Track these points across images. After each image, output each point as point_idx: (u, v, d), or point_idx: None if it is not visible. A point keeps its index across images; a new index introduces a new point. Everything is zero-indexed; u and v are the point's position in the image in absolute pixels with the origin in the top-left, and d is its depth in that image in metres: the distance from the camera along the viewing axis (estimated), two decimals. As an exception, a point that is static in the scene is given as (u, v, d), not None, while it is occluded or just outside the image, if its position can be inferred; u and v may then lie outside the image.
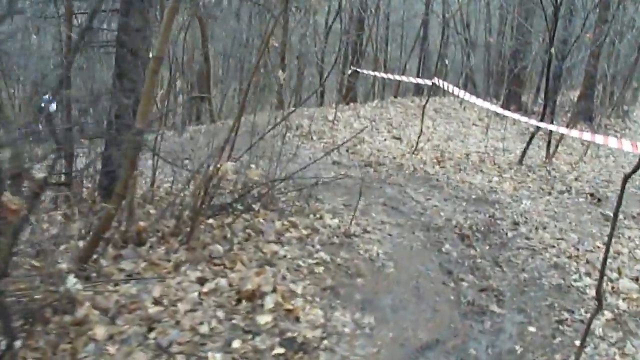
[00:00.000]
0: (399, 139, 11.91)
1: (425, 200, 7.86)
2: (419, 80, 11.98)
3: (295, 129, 12.02)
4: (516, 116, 9.13)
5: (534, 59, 17.28)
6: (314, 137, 11.55)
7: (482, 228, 6.80)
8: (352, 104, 15.28)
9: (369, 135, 11.94)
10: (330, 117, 12.85)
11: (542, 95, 20.10)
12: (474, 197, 8.12)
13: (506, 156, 11.13)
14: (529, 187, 8.94)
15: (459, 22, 20.62)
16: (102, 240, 4.58)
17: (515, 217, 7.32)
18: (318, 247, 5.50)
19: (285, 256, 5.17)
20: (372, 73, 13.77)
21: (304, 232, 5.81)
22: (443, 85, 10.27)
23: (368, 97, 18.45)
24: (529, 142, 10.61)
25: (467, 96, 9.68)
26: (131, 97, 7.21)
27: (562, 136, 11.52)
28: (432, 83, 10.68)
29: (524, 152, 10.45)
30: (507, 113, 9.13)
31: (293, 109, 7.46)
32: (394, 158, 10.26)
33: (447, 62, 19.55)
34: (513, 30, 17.42)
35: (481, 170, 9.67)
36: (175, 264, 4.76)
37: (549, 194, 8.72)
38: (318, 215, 6.48)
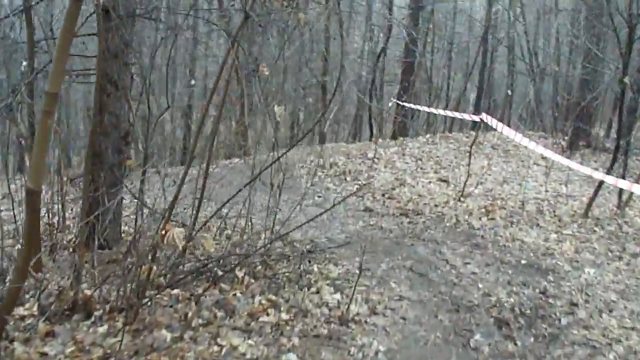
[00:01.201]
0: (445, 181, 10.50)
1: (463, 265, 6.46)
2: (465, 116, 10.59)
3: (329, 168, 10.80)
4: (575, 166, 7.56)
5: (605, 89, 15.59)
6: (348, 178, 10.30)
7: (529, 310, 5.34)
8: (399, 139, 13.92)
9: (412, 176, 10.59)
10: (371, 155, 11.55)
11: (614, 130, 18.43)
12: (523, 261, 6.65)
13: (569, 205, 9.55)
14: (594, 248, 7.38)
15: (524, 48, 19.05)
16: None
17: (573, 293, 5.82)
18: (294, 341, 4.21)
19: (243, 355, 3.91)
20: (414, 106, 12.43)
21: (285, 316, 4.55)
22: (491, 122, 8.85)
23: (421, 130, 17.07)
24: (597, 190, 9.00)
25: (518, 137, 8.22)
26: (113, 134, 6.18)
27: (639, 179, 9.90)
28: (480, 120, 9.26)
29: (590, 202, 8.86)
30: (565, 161, 7.59)
31: (284, 150, 6.12)
32: (436, 206, 8.89)
33: (509, 92, 17.98)
34: (584, 59, 15.78)
35: (537, 224, 8.15)
36: (103, 354, 3.62)
37: (619, 258, 7.14)
38: (315, 288, 5.16)
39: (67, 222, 6.41)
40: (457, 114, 10.87)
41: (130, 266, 4.17)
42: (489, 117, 9.01)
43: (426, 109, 11.85)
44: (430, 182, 10.38)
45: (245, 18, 3.91)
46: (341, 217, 8.75)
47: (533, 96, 19.16)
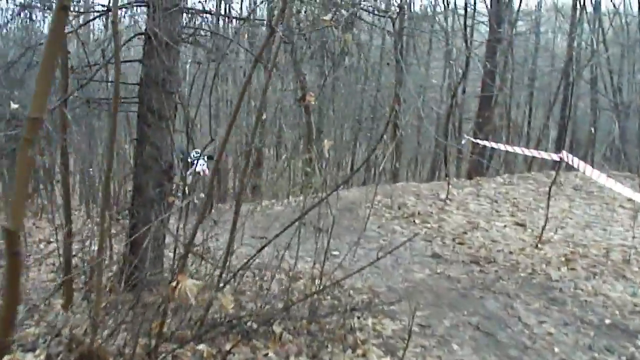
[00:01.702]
0: (522, 225, 9.85)
1: (537, 324, 5.87)
2: (544, 155, 9.94)
3: (397, 209, 10.33)
4: None
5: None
6: (417, 220, 9.79)
7: (613, 383, 4.72)
8: (474, 179, 13.30)
9: (486, 219, 9.99)
10: (443, 196, 11.01)
11: None
12: (607, 321, 5.98)
13: (661, 253, 8.75)
14: (687, 306, 6.63)
15: (607, 83, 18.12)
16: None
17: (665, 362, 5.15)
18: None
19: None
20: (489, 144, 11.81)
21: (321, 385, 4.09)
22: (572, 161, 8.21)
23: (499, 169, 16.34)
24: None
25: (602, 178, 7.57)
26: (154, 167, 5.91)
27: None
28: (560, 159, 8.63)
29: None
30: None
31: (323, 195, 5.66)
32: (510, 253, 8.28)
33: (592, 129, 17.07)
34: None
35: (623, 276, 7.44)
36: None
37: None
38: (362, 350, 4.68)
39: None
40: (535, 153, 10.23)
41: (139, 317, 3.82)
42: (570, 156, 8.38)
43: (503, 146, 11.25)
44: (505, 226, 9.75)
45: (270, 33, 3.52)
46: (406, 263, 8.26)
47: (618, 134, 18.17)
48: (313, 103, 5.03)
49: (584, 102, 20.21)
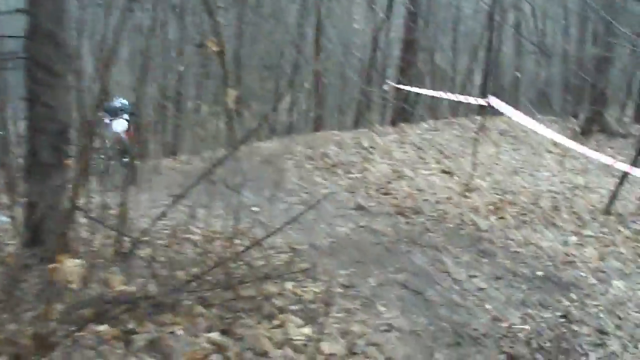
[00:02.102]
0: (449, 173, 9.45)
1: (467, 279, 5.45)
2: (471, 100, 9.51)
3: (319, 159, 9.76)
4: (593, 154, 6.41)
5: (623, 69, 14.45)
6: (339, 171, 9.24)
7: (548, 343, 4.32)
8: (400, 125, 12.80)
9: (412, 168, 9.53)
10: (366, 144, 10.49)
11: (628, 114, 17.23)
12: (539, 273, 5.62)
13: (588, 199, 8.51)
14: (621, 253, 6.35)
15: (532, 28, 17.86)
16: None
17: (601, 316, 4.80)
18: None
19: None
20: (412, 89, 11.28)
21: (230, 364, 3.50)
22: (500, 106, 7.79)
23: (424, 116, 15.88)
24: (621, 182, 7.91)
25: (530, 122, 7.17)
26: (48, 129, 5.08)
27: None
28: (487, 103, 8.20)
29: (612, 197, 7.81)
30: (581, 149, 6.46)
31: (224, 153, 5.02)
32: (437, 202, 7.86)
33: (518, 74, 16.82)
34: (596, 38, 14.61)
35: (553, 224, 7.13)
36: None
37: (651, 264, 6.13)
38: (278, 321, 4.10)
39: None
40: (461, 98, 9.79)
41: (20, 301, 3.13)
42: (497, 101, 7.95)
43: (427, 91, 10.71)
44: (431, 174, 9.33)
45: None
46: (329, 216, 7.71)
47: (543, 78, 18.07)
48: (215, 50, 4.30)
49: (508, 47, 19.97)
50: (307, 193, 8.58)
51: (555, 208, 7.74)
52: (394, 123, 12.92)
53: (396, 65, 14.49)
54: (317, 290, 5.05)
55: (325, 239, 6.77)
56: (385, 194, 8.30)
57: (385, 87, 11.38)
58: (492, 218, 7.22)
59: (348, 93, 15.52)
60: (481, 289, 5.26)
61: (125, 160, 9.58)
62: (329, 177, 9.14)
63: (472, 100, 9.41)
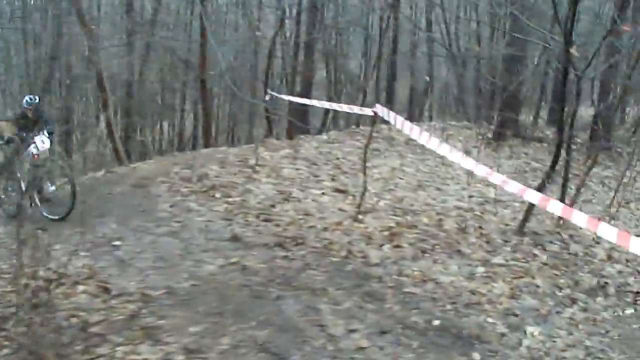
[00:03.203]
0: (343, 192, 8.22)
1: (345, 335, 4.23)
2: (355, 110, 8.33)
3: (197, 181, 8.39)
4: (495, 179, 5.08)
5: (531, 72, 13.63)
6: (217, 194, 7.91)
7: None
8: (297, 138, 11.54)
9: (301, 187, 8.28)
10: (252, 162, 9.16)
11: (543, 116, 16.50)
12: (436, 322, 4.40)
13: (500, 215, 7.43)
14: (537, 286, 5.19)
15: (444, 31, 16.98)
16: None
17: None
18: None
19: None
20: (291, 98, 10.02)
21: None
22: (388, 115, 6.61)
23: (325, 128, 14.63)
24: (540, 189, 6.82)
25: (415, 131, 6.00)
26: None
27: (586, 174, 7.94)
28: (374, 113, 7.00)
29: (526, 212, 6.71)
30: (481, 171, 5.17)
31: None
32: (325, 229, 6.60)
33: (427, 78, 15.86)
34: (507, 37, 13.73)
35: (458, 251, 5.95)
36: None
37: (572, 300, 5.01)
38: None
39: None
40: (346, 108, 8.59)
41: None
42: (384, 109, 6.77)
43: (311, 102, 9.44)
44: (323, 193, 8.07)
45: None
46: (198, 250, 6.42)
47: (455, 83, 17.22)
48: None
49: (420, 51, 19.13)
50: (178, 222, 7.27)
51: (462, 230, 6.58)
52: (289, 136, 11.65)
53: (289, 73, 13.24)
54: (152, 358, 3.81)
55: (186, 281, 5.52)
56: (266, 220, 7.01)
57: (267, 98, 10.04)
58: (386, 247, 6.00)
59: (239, 106, 14.14)
60: (361, 349, 4.02)
61: (51, 189, 8.06)
62: (206, 202, 7.79)
63: (357, 110, 8.22)
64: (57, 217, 7.66)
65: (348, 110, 8.51)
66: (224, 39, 14.18)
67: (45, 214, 7.81)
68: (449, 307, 4.63)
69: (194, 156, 9.73)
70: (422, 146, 11.30)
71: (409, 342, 4.11)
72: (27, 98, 8.28)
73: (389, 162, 9.76)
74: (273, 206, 7.48)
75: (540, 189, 6.18)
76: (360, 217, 6.89)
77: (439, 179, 9.38)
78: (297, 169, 9.10)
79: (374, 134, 11.58)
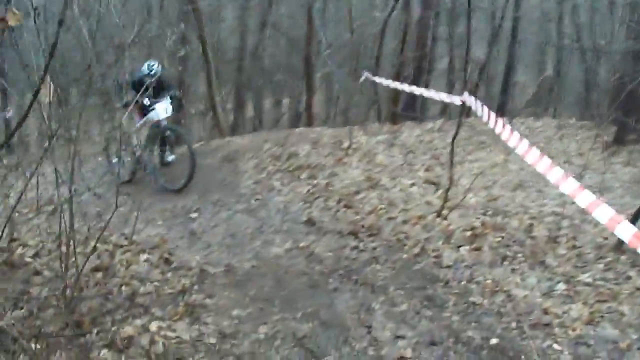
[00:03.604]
0: (435, 184, 7.81)
1: (391, 341, 3.97)
2: (444, 97, 7.80)
3: (286, 160, 8.26)
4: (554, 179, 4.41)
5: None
6: (303, 175, 7.75)
7: None
8: (402, 124, 11.14)
9: (392, 175, 7.94)
10: (346, 145, 8.90)
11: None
12: (494, 341, 4.00)
13: (601, 227, 6.76)
14: (622, 314, 4.61)
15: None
16: None
17: None
18: None
19: None
20: (383, 81, 9.55)
21: None
22: (473, 105, 6.14)
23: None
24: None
25: (499, 127, 5.50)
26: None
27: None
28: (462, 102, 6.53)
29: (634, 218, 6.03)
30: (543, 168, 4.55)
31: None
32: (404, 222, 6.28)
33: (550, 73, 14.88)
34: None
35: (542, 262, 5.43)
36: None
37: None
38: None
39: None
40: (434, 95, 8.10)
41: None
42: (471, 99, 6.30)
43: (401, 86, 8.99)
44: (413, 184, 7.70)
45: None
46: (271, 230, 6.33)
47: (583, 79, 16.08)
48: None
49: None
50: (258, 200, 7.20)
51: (553, 239, 6.03)
52: (394, 121, 11.26)
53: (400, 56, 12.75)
54: (185, 337, 3.71)
55: (249, 261, 5.45)
56: (346, 206, 6.76)
57: (362, 78, 9.67)
58: (464, 248, 5.59)
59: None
60: (402, 359, 3.70)
61: (170, 158, 8.22)
62: (290, 182, 7.68)
63: (445, 97, 7.71)
64: (174, 188, 7.63)
65: (435, 97, 8.04)
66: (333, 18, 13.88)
67: (162, 183, 7.82)
68: (513, 325, 4.20)
69: (287, 134, 9.60)
70: (535, 142, 10.75)
71: (457, 358, 3.75)
72: (147, 65, 8.04)
73: (492, 157, 9.20)
74: (357, 192, 7.22)
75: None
76: (444, 212, 6.49)
77: (543, 180, 8.72)
78: (392, 156, 8.76)
79: (483, 127, 11.01)
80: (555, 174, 4.05)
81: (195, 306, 4.45)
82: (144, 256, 5.54)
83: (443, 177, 8.07)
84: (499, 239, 5.90)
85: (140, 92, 7.86)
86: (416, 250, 5.51)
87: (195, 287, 4.89)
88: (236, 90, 15.54)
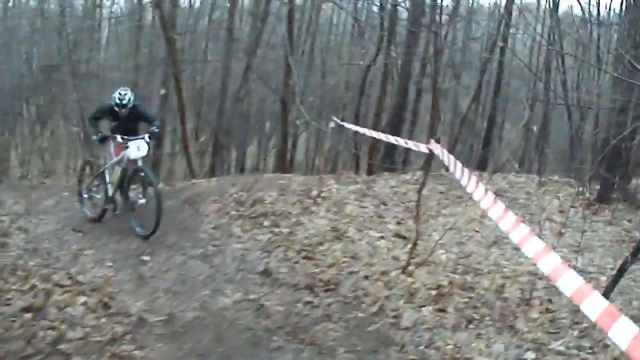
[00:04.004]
0: (405, 238, 7.35)
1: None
2: (411, 145, 7.41)
3: (250, 205, 7.82)
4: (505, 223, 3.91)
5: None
6: (266, 222, 7.30)
7: None
8: (379, 174, 10.75)
9: (360, 227, 7.50)
10: (315, 193, 8.48)
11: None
12: None
13: (578, 289, 6.29)
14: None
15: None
16: None
17: None
18: None
19: None
20: (353, 127, 9.15)
21: None
22: (442, 155, 5.75)
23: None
24: (622, 269, 5.71)
25: (466, 180, 5.04)
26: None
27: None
28: (429, 150, 6.15)
29: (607, 289, 5.59)
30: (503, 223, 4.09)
31: None
32: (366, 278, 5.81)
33: (534, 128, 14.61)
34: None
35: (512, 327, 4.96)
36: None
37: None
38: None
39: None
40: (402, 142, 7.69)
41: None
42: (439, 147, 5.92)
43: (369, 132, 8.54)
44: (382, 237, 7.24)
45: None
46: (223, 280, 5.87)
47: (568, 135, 15.79)
48: None
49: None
50: (215, 246, 6.76)
51: (525, 301, 5.57)
52: (370, 172, 10.88)
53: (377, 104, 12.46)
54: None
55: (193, 311, 4.99)
56: (307, 258, 6.32)
57: (331, 124, 9.23)
58: (427, 309, 5.12)
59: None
60: None
61: (141, 201, 7.40)
62: (251, 229, 7.23)
63: (412, 145, 7.32)
64: (143, 234, 7.03)
65: (404, 145, 7.67)
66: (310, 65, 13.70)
67: (134, 226, 7.22)
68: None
69: (255, 179, 9.17)
70: (515, 198, 10.38)
71: None
72: (118, 92, 7.39)
73: (469, 211, 8.77)
74: (321, 243, 6.77)
75: (624, 264, 5.13)
76: (410, 268, 6.03)
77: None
78: (363, 207, 8.32)
79: (463, 181, 10.63)
80: (519, 233, 3.54)
81: (123, 357, 4.00)
82: (82, 298, 5.09)
83: (414, 232, 7.64)
84: (467, 299, 5.43)
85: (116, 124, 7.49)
86: (374, 308, 5.04)
87: (128, 336, 4.44)
88: (216, 133, 15.21)
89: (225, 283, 5.77)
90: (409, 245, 6.94)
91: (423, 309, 5.10)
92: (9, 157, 20.43)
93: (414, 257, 6.22)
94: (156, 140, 7.64)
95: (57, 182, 8.59)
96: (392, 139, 8.04)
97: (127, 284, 5.73)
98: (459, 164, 5.21)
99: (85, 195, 8.00)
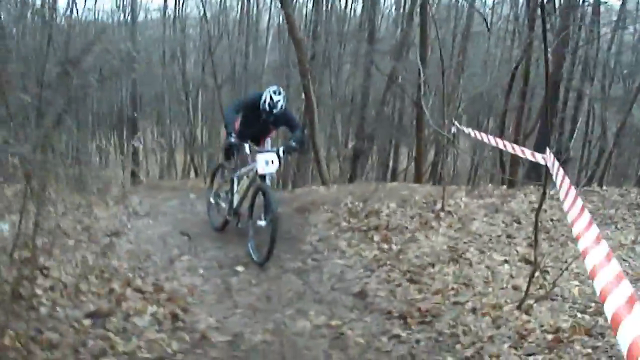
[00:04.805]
0: (530, 262, 6.44)
1: None
2: (527, 154, 6.36)
3: (363, 217, 7.31)
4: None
5: None
6: (376, 237, 6.74)
7: None
8: (520, 187, 9.75)
9: (482, 247, 6.70)
10: (439, 206, 7.74)
11: None
12: None
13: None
14: None
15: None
16: None
17: None
18: None
19: None
20: (474, 133, 8.09)
21: None
22: (552, 167, 4.86)
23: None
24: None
25: (572, 197, 4.14)
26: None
27: None
28: (544, 160, 5.23)
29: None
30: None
31: None
32: (473, 311, 5.08)
33: None
34: None
35: None
36: None
37: None
38: None
39: None
40: (517, 149, 6.68)
41: None
42: (552, 158, 5.02)
43: (487, 139, 7.52)
44: (506, 260, 6.38)
45: None
46: (310, 299, 5.41)
47: None
48: None
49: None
50: (315, 260, 6.28)
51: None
52: (510, 184, 9.90)
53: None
54: None
55: (264, 333, 4.54)
56: (411, 281, 5.67)
57: (453, 129, 8.32)
58: (536, 358, 4.29)
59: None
60: None
61: (260, 224, 6.43)
62: (357, 244, 6.66)
63: (528, 154, 6.32)
64: (256, 259, 6.34)
65: (520, 154, 6.71)
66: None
67: (249, 247, 6.53)
68: None
69: (375, 188, 8.57)
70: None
71: None
72: (268, 93, 6.54)
73: (618, 235, 7.62)
74: (432, 265, 6.07)
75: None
76: (529, 302, 5.18)
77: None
78: (492, 224, 7.46)
79: (617, 197, 9.39)
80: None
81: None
82: (153, 308, 4.82)
83: (546, 256, 6.70)
84: (590, 349, 4.51)
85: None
86: (469, 351, 4.30)
87: (179, 356, 4.08)
88: (358, 138, 14.84)
89: (313, 303, 5.29)
90: (537, 274, 6.06)
91: (530, 358, 4.27)
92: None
93: (538, 289, 5.35)
94: (300, 147, 6.91)
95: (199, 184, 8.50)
96: (509, 148, 7.14)
97: (210, 295, 5.42)
98: (567, 180, 4.34)
99: (212, 201, 7.62)
